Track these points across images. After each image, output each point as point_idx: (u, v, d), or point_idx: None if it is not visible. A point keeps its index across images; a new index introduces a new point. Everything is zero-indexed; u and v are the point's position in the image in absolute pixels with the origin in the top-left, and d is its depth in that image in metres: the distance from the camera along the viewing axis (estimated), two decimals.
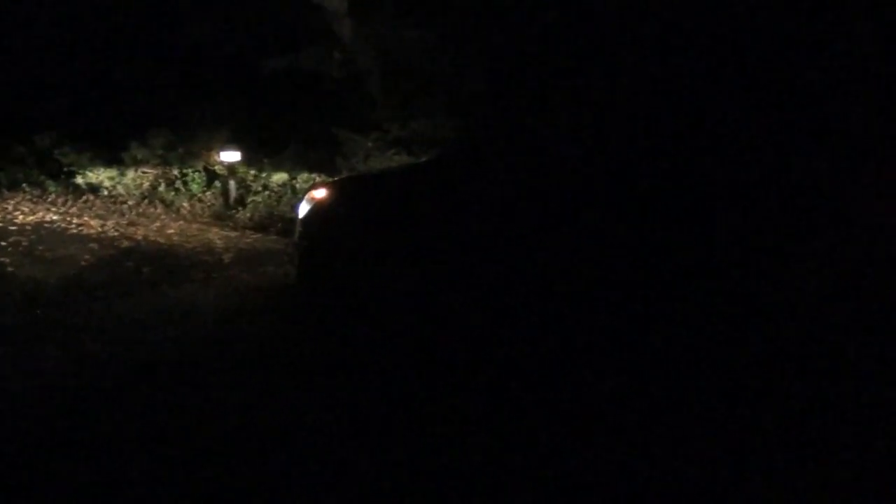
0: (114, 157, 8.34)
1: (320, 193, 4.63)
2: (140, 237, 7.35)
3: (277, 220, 7.46)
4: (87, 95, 8.12)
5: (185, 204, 8.45)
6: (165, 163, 8.24)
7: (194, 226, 7.95)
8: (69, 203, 8.89)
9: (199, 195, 8.51)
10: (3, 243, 6.73)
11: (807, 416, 2.80)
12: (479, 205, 3.84)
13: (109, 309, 4.91)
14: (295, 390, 3.53)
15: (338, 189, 4.65)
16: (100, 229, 7.64)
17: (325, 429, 3.07)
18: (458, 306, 3.77)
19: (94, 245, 6.93)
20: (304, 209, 4.68)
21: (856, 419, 2.76)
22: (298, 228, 4.76)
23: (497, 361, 3.49)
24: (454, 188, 3.90)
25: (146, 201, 8.62)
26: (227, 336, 4.33)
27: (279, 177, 7.92)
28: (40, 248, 6.70)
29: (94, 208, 8.69)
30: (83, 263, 6.28)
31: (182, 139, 8.15)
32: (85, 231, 7.59)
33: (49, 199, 9.09)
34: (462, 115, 6.40)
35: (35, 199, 9.12)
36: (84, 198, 8.93)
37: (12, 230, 7.36)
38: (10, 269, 5.98)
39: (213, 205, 8.32)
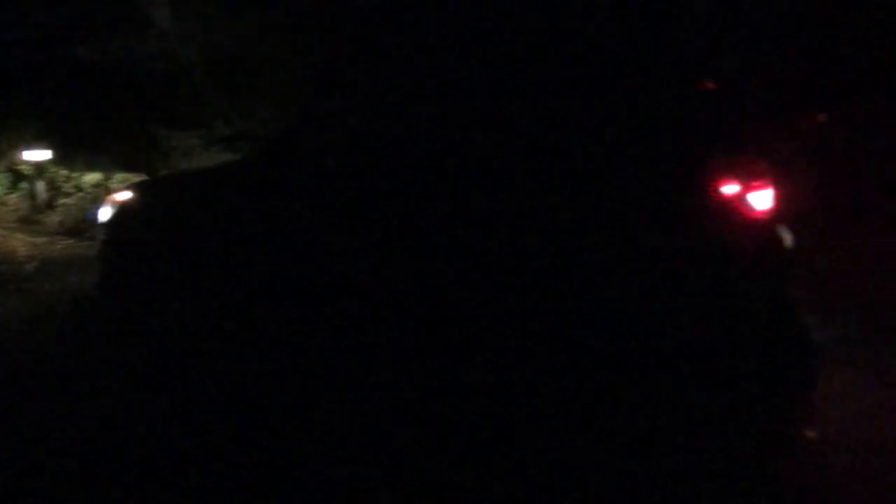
0: None
1: (123, 196, 4.31)
2: None
3: (91, 225, 6.88)
4: None
5: None
6: None
7: None
8: None
9: (2, 198, 7.74)
10: None
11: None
12: (292, 206, 3.73)
13: None
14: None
15: (141, 192, 4.33)
16: None
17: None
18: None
19: None
20: (105, 213, 4.33)
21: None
22: (100, 235, 4.40)
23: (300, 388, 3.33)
24: (262, 189, 3.75)
25: None
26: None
27: (93, 177, 7.33)
28: None
29: None
30: None
31: None
32: None
33: None
34: (289, 110, 6.17)
35: None
36: None
37: None
38: None
39: (18, 209, 7.59)
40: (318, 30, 7.13)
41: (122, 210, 4.22)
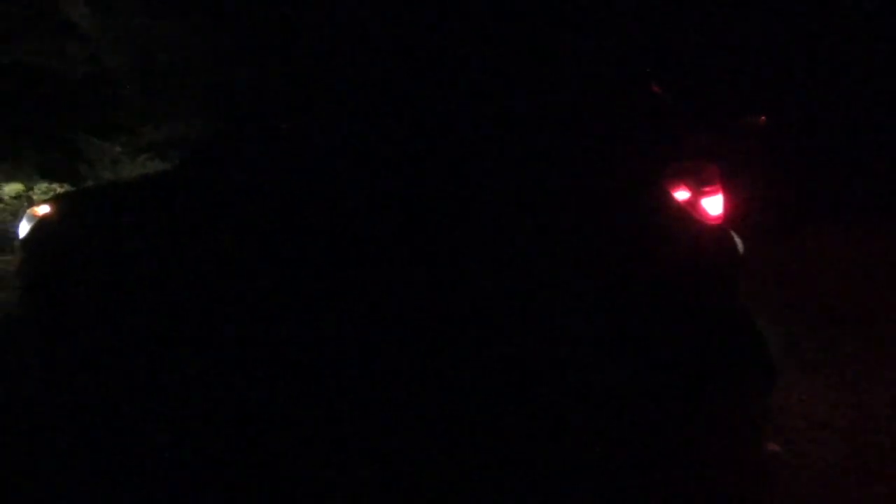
0: None
1: (44, 210, 4.04)
2: None
3: (13, 238, 6.48)
4: None
5: None
6: None
7: None
8: None
9: None
10: None
11: None
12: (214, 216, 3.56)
13: None
14: None
15: (62, 205, 4.09)
16: None
17: None
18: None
19: None
20: (25, 229, 4.05)
21: None
22: (20, 252, 4.12)
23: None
24: (184, 201, 3.57)
25: None
26: None
27: (13, 187, 6.91)
28: None
29: None
30: None
31: None
32: None
33: None
34: (216, 116, 5.94)
35: None
36: None
37: None
38: None
39: None
40: (246, 32, 6.91)
41: (41, 225, 3.96)
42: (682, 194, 3.06)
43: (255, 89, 6.72)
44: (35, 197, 6.85)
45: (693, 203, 3.06)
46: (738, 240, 3.28)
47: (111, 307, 3.60)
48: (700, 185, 3.08)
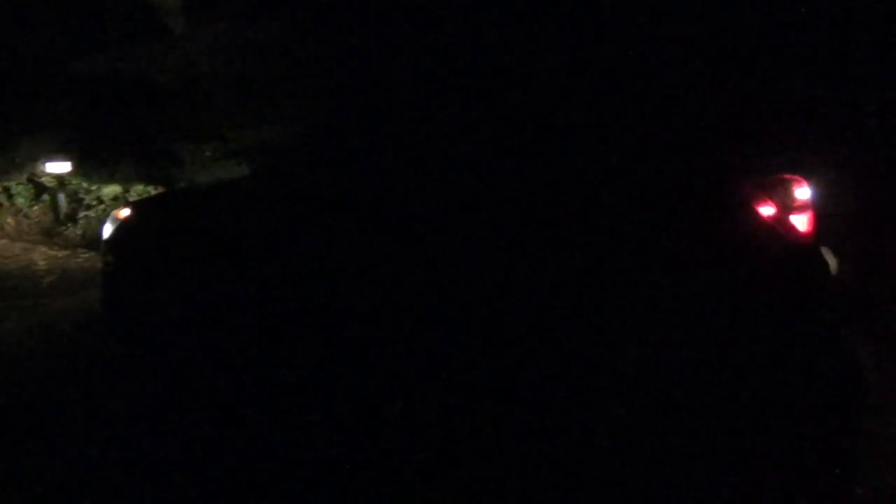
0: None
1: (125, 213, 4.17)
2: None
3: None
4: None
5: (10, 220, 7.63)
6: None
7: (18, 244, 7.18)
8: None
9: (26, 210, 7.70)
10: None
11: None
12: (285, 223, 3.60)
13: None
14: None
15: (138, 209, 4.21)
16: None
17: None
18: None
19: None
20: (108, 230, 4.19)
21: None
22: (103, 250, 4.27)
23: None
24: (259, 206, 3.60)
25: None
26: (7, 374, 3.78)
27: (111, 189, 7.24)
28: None
29: None
30: None
31: (2, 148, 7.32)
32: None
33: None
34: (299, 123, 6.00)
35: None
36: None
37: None
38: None
39: (41, 220, 7.54)
40: (335, 41, 6.96)
41: (121, 227, 4.09)
42: (768, 210, 2.82)
43: (341, 96, 6.75)
44: (131, 198, 7.15)
45: (780, 220, 2.82)
46: (830, 258, 3.00)
47: (176, 306, 3.71)
48: (788, 201, 2.84)
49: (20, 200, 7.73)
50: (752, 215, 2.80)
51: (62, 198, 7.41)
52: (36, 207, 7.69)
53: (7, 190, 7.76)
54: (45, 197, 7.68)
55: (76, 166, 7.36)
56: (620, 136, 3.19)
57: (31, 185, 7.76)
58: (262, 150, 6.47)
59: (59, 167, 7.34)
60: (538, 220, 3.11)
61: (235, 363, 3.58)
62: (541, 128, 3.35)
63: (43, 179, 7.71)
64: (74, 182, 7.61)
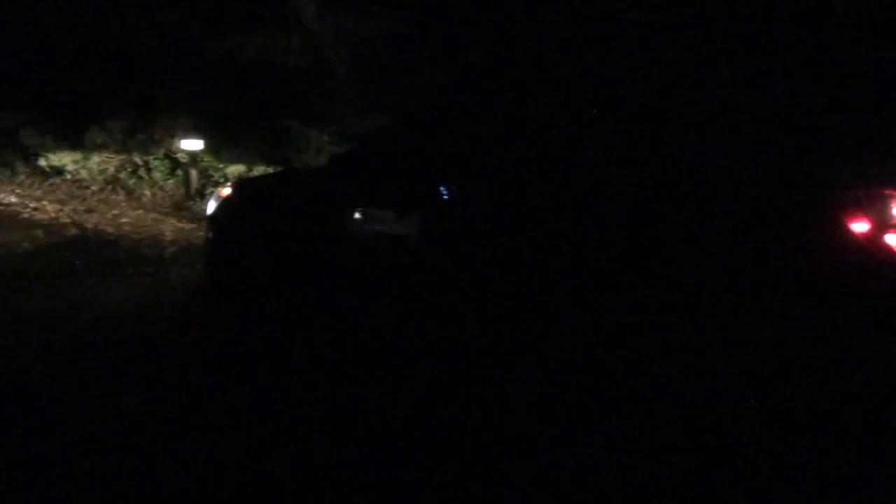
0: (77, 141, 8.12)
1: (226, 191, 4.39)
2: (90, 225, 7.14)
3: None
4: (48, 76, 7.89)
5: (147, 192, 8.23)
6: (126, 148, 7.99)
7: (151, 215, 7.72)
8: (35, 186, 8.73)
9: (162, 183, 8.28)
10: None
11: None
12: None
13: (16, 303, 4.66)
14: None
15: (238, 188, 4.42)
16: (53, 215, 7.46)
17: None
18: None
19: (39, 232, 6.73)
20: (212, 206, 4.43)
21: None
22: (206, 225, 4.52)
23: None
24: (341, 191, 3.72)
25: (109, 187, 8.41)
26: (108, 340, 4.05)
27: (236, 168, 7.65)
28: None
29: (57, 192, 8.51)
30: (19, 251, 6.08)
31: (144, 125, 7.89)
32: (37, 216, 7.40)
33: (17, 181, 8.93)
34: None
35: (3, 181, 8.96)
36: (50, 181, 8.76)
37: None
38: None
39: (173, 194, 8.09)
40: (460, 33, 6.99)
41: (222, 204, 4.30)
42: (861, 227, 2.58)
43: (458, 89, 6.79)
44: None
45: (874, 238, 2.57)
46: None
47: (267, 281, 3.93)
48: (886, 218, 2.58)
49: (157, 175, 8.32)
50: (841, 231, 2.57)
51: (193, 174, 7.90)
52: (170, 182, 8.25)
53: (146, 164, 8.36)
54: (179, 172, 8.22)
55: (208, 145, 7.82)
56: (716, 144, 3.04)
57: (167, 161, 8.32)
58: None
59: (192, 145, 7.82)
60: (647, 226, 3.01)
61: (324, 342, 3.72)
62: (652, 132, 3.26)
63: (178, 156, 8.25)
64: (207, 160, 8.09)
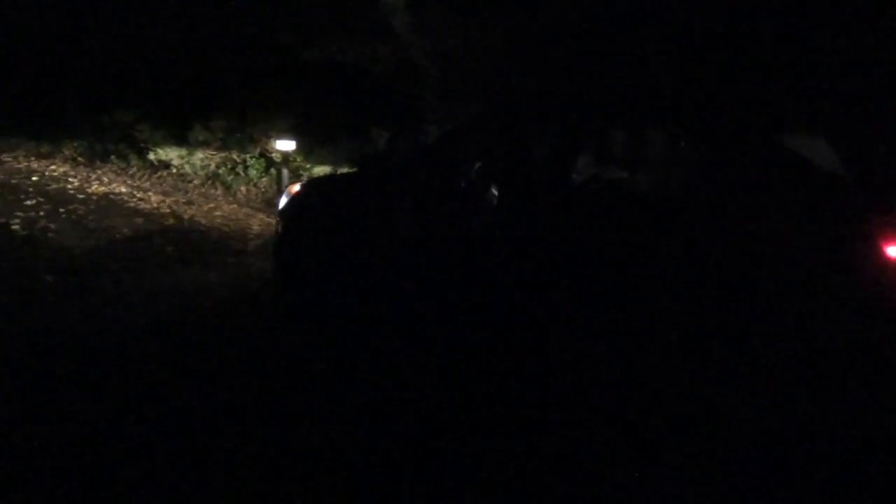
0: (183, 138, 8.67)
1: (296, 189, 4.62)
2: (187, 216, 7.58)
3: None
4: (161, 76, 8.46)
5: (243, 188, 8.66)
6: (225, 146, 8.46)
7: (243, 210, 8.14)
8: (144, 178, 9.34)
9: (256, 181, 8.70)
10: (62, 210, 7.09)
11: None
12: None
13: (100, 286, 5.04)
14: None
15: (304, 186, 4.64)
16: (155, 205, 7.96)
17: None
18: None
19: (139, 220, 7.21)
20: (283, 202, 4.67)
21: None
22: (277, 220, 4.76)
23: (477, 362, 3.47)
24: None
25: (210, 182, 8.91)
26: (179, 322, 4.34)
27: (322, 168, 7.94)
28: (91, 218, 7.02)
29: (163, 184, 9.08)
30: (118, 237, 6.55)
31: (243, 125, 8.33)
32: (141, 206, 7.92)
33: (130, 173, 9.58)
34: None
35: (118, 171, 9.61)
36: (158, 174, 9.35)
37: (80, 198, 7.74)
38: (50, 234, 6.32)
39: (266, 191, 8.47)
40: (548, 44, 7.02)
41: (292, 201, 4.52)
42: None
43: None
44: None
45: None
46: None
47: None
48: None
49: (252, 172, 8.75)
50: (876, 255, 2.47)
51: (285, 173, 8.26)
52: (264, 179, 8.66)
53: (244, 162, 8.81)
54: (272, 171, 8.61)
55: (300, 145, 8.17)
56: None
57: (262, 159, 8.75)
58: None
59: (285, 145, 8.18)
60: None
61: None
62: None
63: (272, 155, 8.65)
64: (298, 160, 8.45)
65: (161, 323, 4.30)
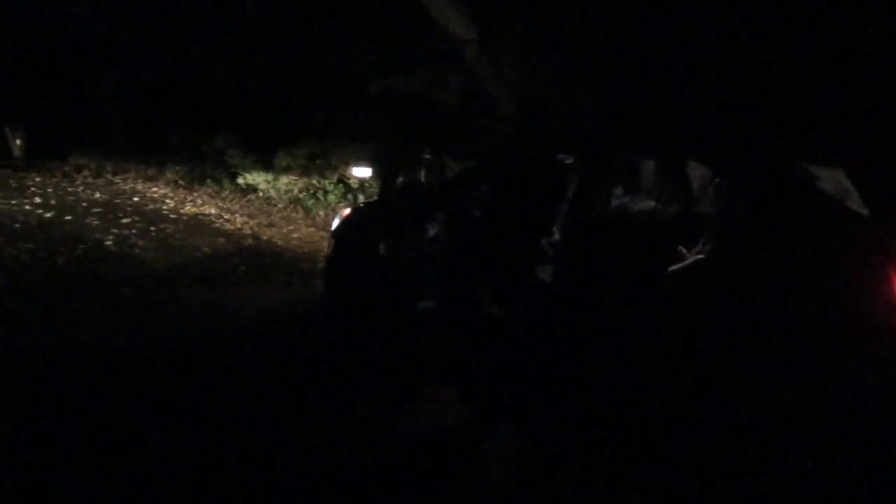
0: (269, 163, 9.16)
1: (346, 211, 4.83)
2: (265, 238, 7.99)
3: None
4: (251, 105, 9.00)
5: (322, 212, 9.04)
6: (307, 172, 8.88)
7: (319, 233, 8.48)
8: (234, 200, 9.89)
9: (334, 206, 9.06)
10: (153, 229, 7.61)
11: None
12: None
13: (179, 298, 5.40)
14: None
15: (353, 209, 4.85)
16: (239, 226, 8.43)
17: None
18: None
19: (221, 239, 7.65)
20: (335, 224, 4.88)
21: None
22: (329, 241, 4.97)
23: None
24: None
25: (292, 206, 9.34)
26: (245, 335, 4.57)
27: None
28: (177, 236, 7.51)
29: (250, 207, 9.60)
30: (198, 255, 6.97)
31: (323, 151, 8.73)
32: (226, 226, 8.40)
33: (222, 196, 10.17)
34: None
35: (212, 194, 10.24)
36: (248, 197, 9.88)
37: (171, 218, 8.30)
38: (136, 250, 6.80)
39: None
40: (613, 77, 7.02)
41: (343, 222, 4.74)
42: None
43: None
44: None
45: None
46: None
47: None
48: None
49: (331, 197, 9.13)
50: (885, 288, 2.40)
51: (361, 199, 8.58)
52: (342, 204, 9.01)
53: (324, 187, 9.21)
54: (350, 196, 8.96)
55: (375, 172, 8.48)
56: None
57: (340, 185, 9.11)
58: None
59: (362, 172, 8.52)
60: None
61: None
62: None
63: (350, 181, 9.01)
64: (374, 185, 8.76)
65: (198, 335, 4.54)
